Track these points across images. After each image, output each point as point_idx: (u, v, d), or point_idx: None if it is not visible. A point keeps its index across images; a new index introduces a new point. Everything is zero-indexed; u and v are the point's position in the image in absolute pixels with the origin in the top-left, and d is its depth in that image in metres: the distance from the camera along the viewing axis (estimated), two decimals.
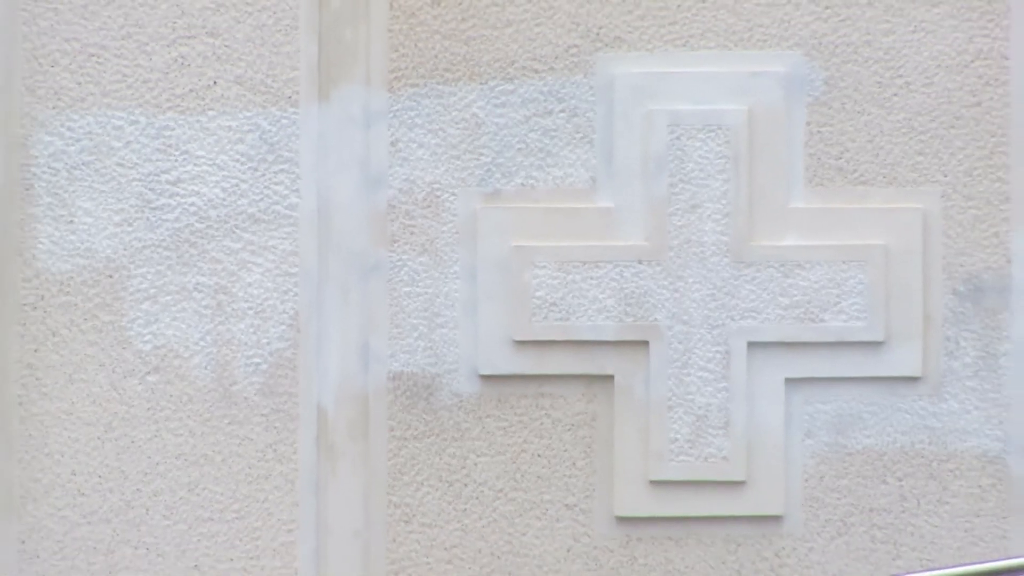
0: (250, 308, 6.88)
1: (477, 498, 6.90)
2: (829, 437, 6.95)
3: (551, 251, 6.90)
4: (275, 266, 6.85)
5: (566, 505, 6.91)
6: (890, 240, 6.88)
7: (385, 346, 6.96)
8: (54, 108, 7.02)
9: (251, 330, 6.91)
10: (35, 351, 6.92)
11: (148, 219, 6.98)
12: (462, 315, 6.91)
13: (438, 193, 6.79)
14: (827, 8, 7.00)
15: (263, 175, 6.91)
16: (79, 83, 7.06)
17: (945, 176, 6.89)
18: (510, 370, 6.91)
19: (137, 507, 6.87)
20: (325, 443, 6.92)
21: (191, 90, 6.98)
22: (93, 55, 7.03)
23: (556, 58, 6.96)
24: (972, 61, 6.79)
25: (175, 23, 6.94)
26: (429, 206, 6.78)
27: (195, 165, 6.96)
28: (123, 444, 6.96)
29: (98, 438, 6.96)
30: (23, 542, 6.87)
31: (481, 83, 6.88)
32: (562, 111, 6.86)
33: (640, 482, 6.83)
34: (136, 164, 7.00)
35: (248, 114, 6.91)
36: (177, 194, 6.94)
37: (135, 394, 6.95)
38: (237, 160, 6.88)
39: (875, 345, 6.93)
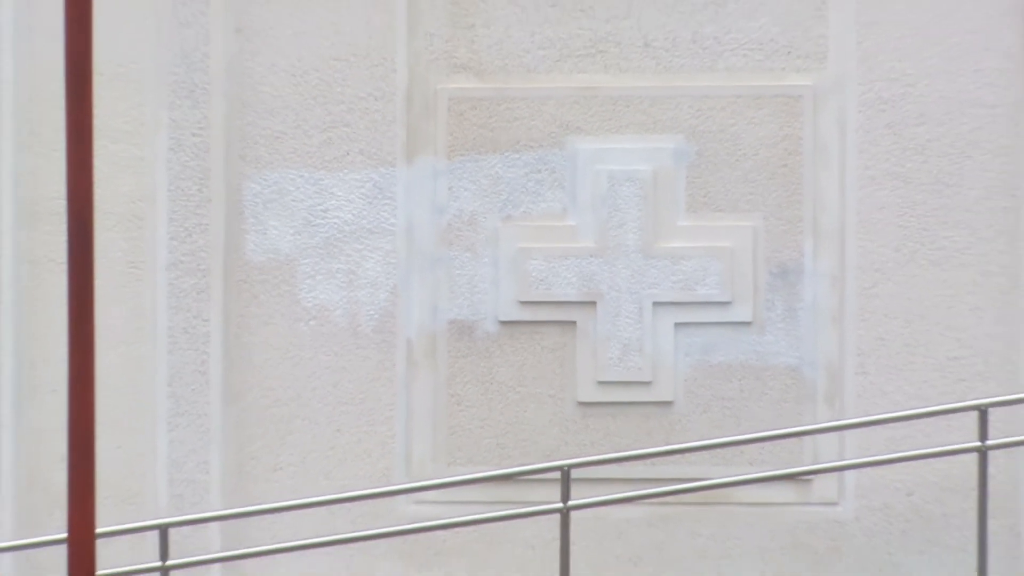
0: (368, 282, 11.24)
1: (497, 391, 11.20)
2: (700, 356, 11.15)
3: (540, 250, 11.27)
4: (382, 258, 11.25)
5: (549, 395, 11.20)
6: (735, 244, 11.10)
7: (445, 304, 11.27)
8: (255, 168, 11.23)
9: (369, 295, 11.31)
10: (246, 307, 11.27)
11: (309, 231, 11.29)
12: (489, 286, 11.21)
13: (476, 217, 11.19)
14: (697, 109, 11.29)
15: (375, 206, 11.28)
16: (269, 153, 11.26)
17: (766, 207, 11.14)
18: (517, 318, 11.22)
19: (305, 394, 11.20)
20: (411, 360, 11.18)
21: (334, 157, 11.25)
22: (276, 137, 11.31)
23: (543, 139, 11.32)
24: (781, 140, 11.14)
25: (325, 118, 11.29)
26: (471, 224, 11.18)
27: (336, 200, 11.27)
28: (296, 360, 11.23)
29: (280, 357, 11.25)
30: (239, 421, 11.26)
31: (500, 154, 11.27)
32: (547, 169, 11.24)
33: (592, 382, 11.11)
34: (302, 200, 11.26)
35: (367, 171, 11.26)
36: (326, 217, 11.28)
37: (302, 332, 11.25)
38: (361, 198, 11.21)
39: (725, 304, 11.13)
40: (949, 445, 10.62)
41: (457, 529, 10.85)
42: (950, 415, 10.81)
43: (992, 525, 10.58)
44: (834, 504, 11.35)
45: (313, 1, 11.60)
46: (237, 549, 11.18)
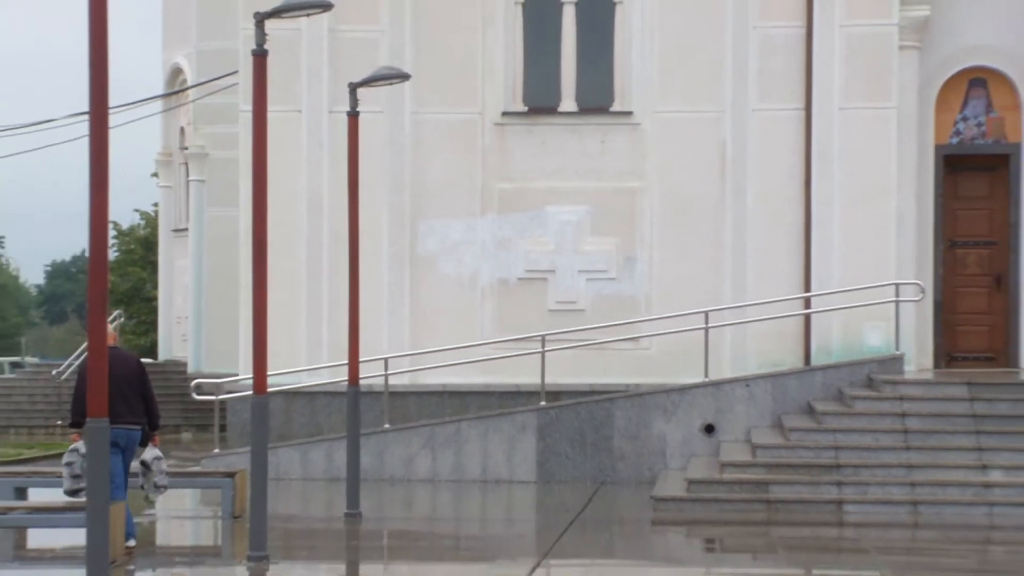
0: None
1: (514, 306, 26.16)
2: (597, 294, 26.11)
3: (532, 250, 26.39)
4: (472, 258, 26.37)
5: (538, 310, 26.25)
6: (614, 248, 26.07)
7: (492, 269, 26.32)
8: (424, 218, 26.20)
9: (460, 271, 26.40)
10: (415, 287, 26.30)
11: (464, 256, 26.26)
12: (519, 262, 26.34)
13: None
14: (596, 183, 26.05)
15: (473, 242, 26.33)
16: (442, 204, 26.23)
17: (623, 232, 26.06)
18: (525, 277, 26.22)
19: (430, 323, 26.37)
20: (479, 298, 26.21)
21: (482, 210, 26.27)
22: (434, 198, 26.39)
23: (532, 207, 26.29)
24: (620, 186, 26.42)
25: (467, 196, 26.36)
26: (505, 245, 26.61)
27: (461, 236, 26.38)
28: (436, 306, 26.31)
29: (428, 304, 26.27)
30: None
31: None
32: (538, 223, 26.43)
33: (553, 303, 26.27)
34: (466, 241, 26.26)
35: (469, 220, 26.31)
36: (474, 248, 26.25)
37: (436, 284, 26.29)
38: (482, 238, 26.30)
39: (615, 279, 26.20)
40: None
41: None
42: None
43: None
44: None
45: None
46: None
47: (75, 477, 16.29)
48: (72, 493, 16.57)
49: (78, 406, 16.01)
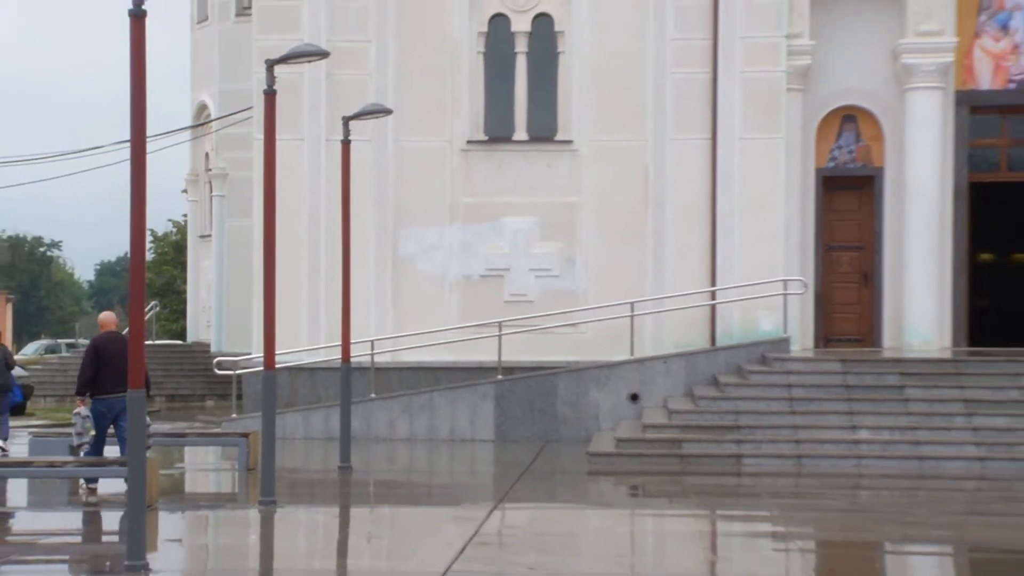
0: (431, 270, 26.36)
1: (479, 299, 26.22)
2: (545, 286, 26.18)
3: (491, 253, 26.35)
4: (444, 257, 26.33)
5: (498, 299, 26.27)
6: (560, 250, 26.15)
7: (460, 267, 26.31)
8: (404, 227, 26.29)
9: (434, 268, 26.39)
10: (397, 282, 26.32)
11: (437, 257, 26.30)
12: (478, 261, 26.31)
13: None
14: (543, 199, 26.16)
15: (443, 246, 26.33)
16: (419, 215, 26.26)
17: (564, 238, 26.10)
18: (486, 274, 26.27)
19: (409, 311, 26.32)
20: (448, 291, 26.22)
21: (451, 220, 26.31)
22: (413, 211, 26.32)
23: (489, 218, 26.29)
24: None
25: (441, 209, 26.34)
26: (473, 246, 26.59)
27: (434, 242, 26.32)
28: (413, 298, 26.31)
29: (406, 296, 26.27)
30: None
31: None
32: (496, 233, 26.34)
33: (508, 295, 26.25)
34: (438, 246, 26.26)
35: (448, 227, 26.36)
36: (444, 251, 26.29)
37: (414, 280, 26.33)
38: (451, 243, 26.30)
39: (558, 276, 26.31)
40: None
41: None
42: None
43: None
44: None
45: None
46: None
47: (78, 435, 16.90)
48: (75, 448, 17.20)
49: (83, 379, 16.68)
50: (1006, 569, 13.15)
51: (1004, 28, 26.54)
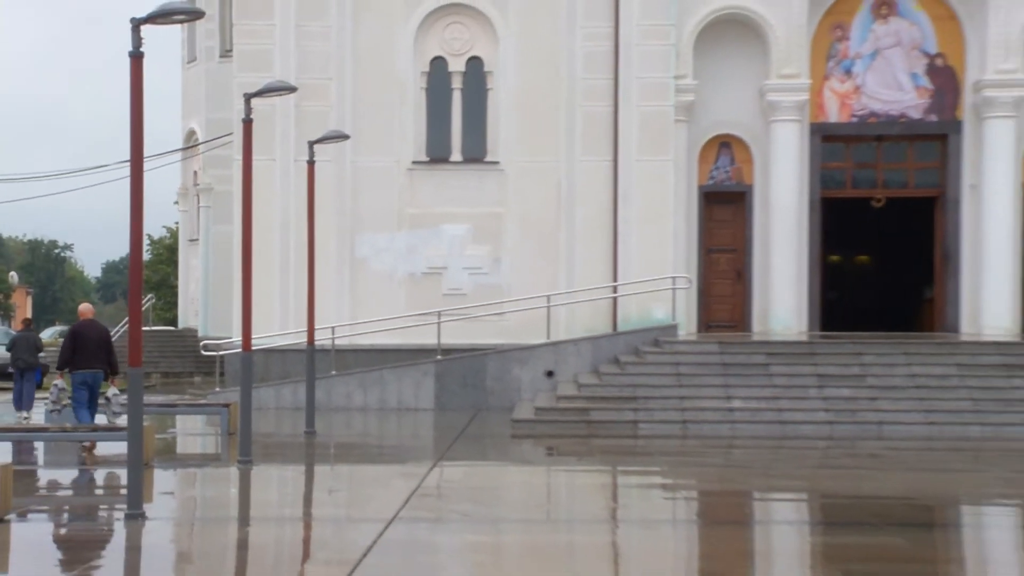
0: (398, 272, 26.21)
1: (424, 292, 26.11)
2: (478, 281, 26.09)
3: (432, 254, 26.22)
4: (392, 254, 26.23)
5: (437, 292, 26.17)
6: (489, 252, 26.11)
7: (406, 266, 26.17)
8: (360, 233, 26.17)
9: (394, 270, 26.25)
10: (354, 279, 26.16)
11: (387, 258, 26.17)
12: (421, 261, 26.19)
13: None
14: (474, 209, 26.13)
15: (392, 249, 26.21)
16: (373, 223, 26.14)
17: (493, 242, 26.05)
18: (428, 271, 26.11)
19: (363, 302, 26.12)
20: (396, 286, 26.12)
21: (399, 227, 26.15)
22: (367, 220, 26.19)
23: (430, 224, 26.18)
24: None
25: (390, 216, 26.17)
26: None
27: (385, 245, 26.17)
28: (367, 292, 26.13)
29: (362, 291, 26.13)
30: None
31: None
32: (435, 238, 26.18)
33: (447, 288, 26.12)
34: (388, 248, 26.14)
35: (397, 233, 26.24)
36: (393, 252, 26.20)
37: (367, 277, 26.17)
38: (398, 246, 26.15)
39: (488, 274, 26.20)
40: None
41: None
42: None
43: None
44: None
45: None
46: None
47: (54, 402, 17.57)
48: (51, 413, 17.70)
49: (63, 358, 17.36)
50: (849, 511, 13.30)
51: (848, 72, 26.83)
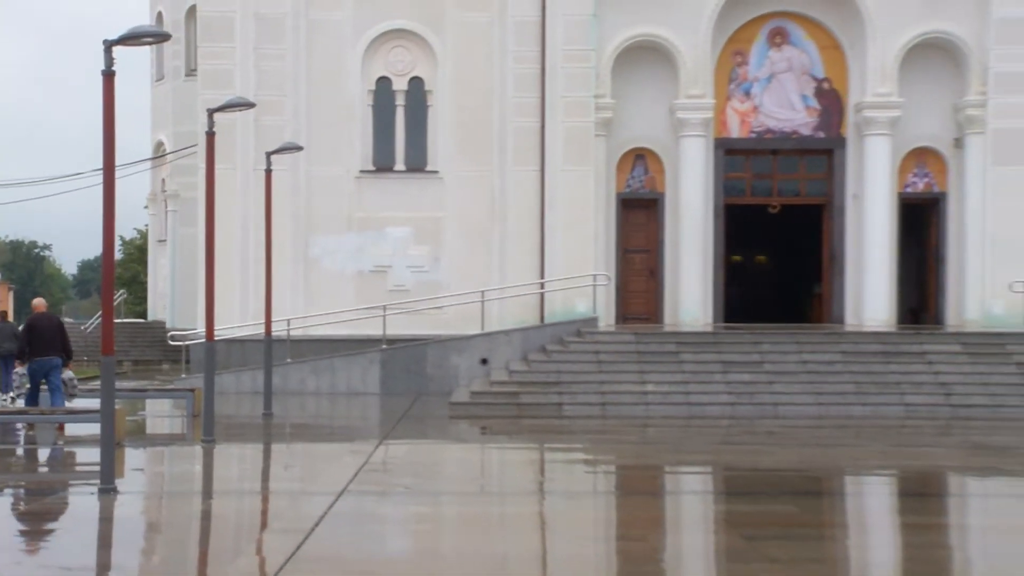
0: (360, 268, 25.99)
1: (370, 286, 25.90)
2: (418, 279, 25.93)
3: (378, 253, 26.04)
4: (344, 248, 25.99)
5: (381, 288, 25.93)
6: (429, 252, 25.98)
7: (355, 263, 25.96)
8: (313, 235, 25.92)
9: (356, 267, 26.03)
10: (308, 276, 25.91)
11: (337, 257, 25.90)
12: (368, 259, 25.95)
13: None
14: (416, 214, 25.93)
15: (342, 250, 25.96)
16: (324, 225, 25.89)
17: (433, 243, 25.96)
18: (374, 269, 25.91)
19: (316, 297, 25.86)
20: (345, 283, 25.89)
21: (348, 229, 25.91)
22: (319, 222, 25.96)
23: (375, 227, 25.98)
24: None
25: (343, 216, 25.93)
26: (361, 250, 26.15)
27: (335, 245, 25.92)
28: (319, 288, 25.87)
29: (314, 286, 25.90)
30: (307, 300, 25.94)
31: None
32: (380, 240, 25.96)
33: (392, 285, 25.90)
34: (338, 248, 25.93)
35: (350, 235, 26.03)
36: (343, 252, 25.96)
37: (319, 274, 25.90)
38: (348, 246, 25.91)
39: (428, 271, 26.05)
40: None
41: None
42: None
43: None
44: None
45: None
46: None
47: (16, 388, 17.48)
48: (15, 398, 17.82)
49: (20, 348, 17.35)
50: (748, 481, 13.40)
51: (747, 93, 27.02)
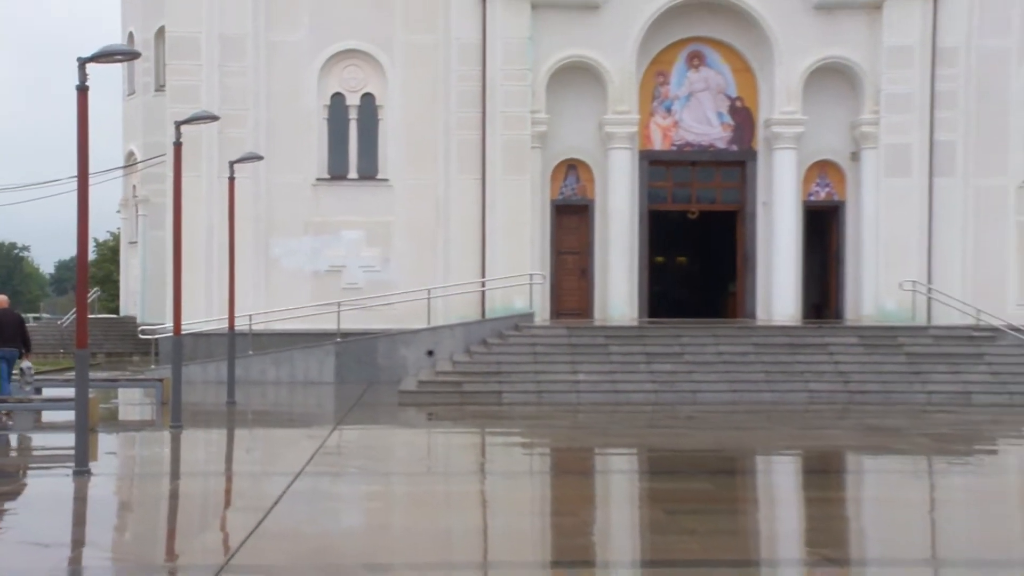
0: (322, 267, 25.70)
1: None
2: (372, 278, 25.66)
3: (338, 254, 25.75)
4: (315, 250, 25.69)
5: (352, 284, 25.66)
6: (380, 253, 25.73)
7: (314, 263, 25.68)
8: (273, 237, 25.59)
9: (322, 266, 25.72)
10: (268, 275, 25.58)
11: (296, 258, 25.57)
12: (339, 260, 25.62)
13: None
14: (368, 218, 25.65)
15: (300, 251, 25.70)
16: (284, 229, 25.53)
17: (383, 245, 25.75)
18: (331, 269, 25.63)
19: (276, 294, 25.48)
20: (303, 281, 25.60)
21: (305, 232, 25.59)
22: (279, 226, 25.60)
23: (333, 231, 25.73)
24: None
25: (314, 219, 25.62)
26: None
27: (294, 247, 25.60)
28: (279, 286, 25.52)
29: (275, 285, 25.55)
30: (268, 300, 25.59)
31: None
32: (338, 243, 25.70)
33: (356, 279, 25.62)
34: (297, 250, 25.60)
35: (317, 237, 25.70)
36: (301, 253, 25.64)
37: (279, 273, 25.60)
38: (305, 248, 25.60)
39: (379, 271, 25.76)
40: None
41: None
42: None
43: None
44: None
45: None
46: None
47: None
48: None
49: None
50: (670, 461, 13.44)
51: (668, 110, 27.03)
